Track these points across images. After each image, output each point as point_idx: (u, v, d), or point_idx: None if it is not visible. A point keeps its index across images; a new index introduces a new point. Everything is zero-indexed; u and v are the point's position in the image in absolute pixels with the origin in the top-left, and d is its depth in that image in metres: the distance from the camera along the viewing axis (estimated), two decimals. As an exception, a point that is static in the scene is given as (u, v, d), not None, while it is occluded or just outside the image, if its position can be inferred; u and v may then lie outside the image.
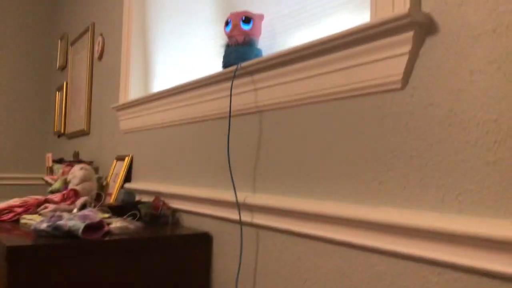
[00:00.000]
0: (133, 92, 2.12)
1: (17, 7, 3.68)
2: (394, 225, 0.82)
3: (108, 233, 1.32)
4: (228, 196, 1.29)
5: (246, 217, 1.22)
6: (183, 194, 1.54)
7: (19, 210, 1.63)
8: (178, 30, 1.86)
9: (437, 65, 0.81)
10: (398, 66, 0.86)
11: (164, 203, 1.61)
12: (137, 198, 1.81)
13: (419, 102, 0.83)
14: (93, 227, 1.27)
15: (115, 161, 2.20)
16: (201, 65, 1.70)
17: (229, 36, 1.30)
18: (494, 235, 0.67)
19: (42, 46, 3.78)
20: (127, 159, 2.06)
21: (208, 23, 1.65)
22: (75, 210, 1.71)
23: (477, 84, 0.74)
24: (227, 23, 1.30)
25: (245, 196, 1.22)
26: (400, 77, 0.86)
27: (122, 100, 2.17)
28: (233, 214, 1.27)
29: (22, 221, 1.55)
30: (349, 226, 0.92)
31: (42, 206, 1.68)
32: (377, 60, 0.89)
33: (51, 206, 1.68)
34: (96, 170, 2.37)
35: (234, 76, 1.23)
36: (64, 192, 1.91)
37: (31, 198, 1.84)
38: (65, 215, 1.35)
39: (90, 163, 2.43)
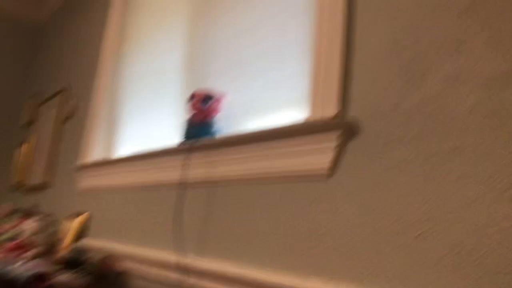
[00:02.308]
0: (96, 154, 2.27)
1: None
2: None
3: (51, 286, 1.40)
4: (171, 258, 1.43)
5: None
6: (134, 254, 1.65)
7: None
8: (143, 105, 2.07)
9: (358, 160, 1.03)
10: (326, 159, 1.08)
11: (112, 263, 1.69)
12: (91, 254, 1.89)
13: (342, 190, 1.04)
14: (38, 278, 1.36)
15: (72, 217, 2.28)
16: (164, 137, 1.89)
17: (192, 110, 1.49)
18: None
19: (10, 102, 3.88)
20: (81, 216, 2.16)
21: (173, 101, 1.86)
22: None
23: (391, 180, 0.96)
24: (191, 98, 1.50)
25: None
26: (327, 167, 1.07)
27: (82, 161, 2.30)
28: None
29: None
30: None
31: (-7, 253, 1.74)
32: (309, 151, 1.11)
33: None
34: (53, 223, 2.43)
35: (188, 152, 1.42)
36: (17, 241, 1.97)
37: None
38: (18, 262, 1.44)
39: (48, 216, 2.49)
